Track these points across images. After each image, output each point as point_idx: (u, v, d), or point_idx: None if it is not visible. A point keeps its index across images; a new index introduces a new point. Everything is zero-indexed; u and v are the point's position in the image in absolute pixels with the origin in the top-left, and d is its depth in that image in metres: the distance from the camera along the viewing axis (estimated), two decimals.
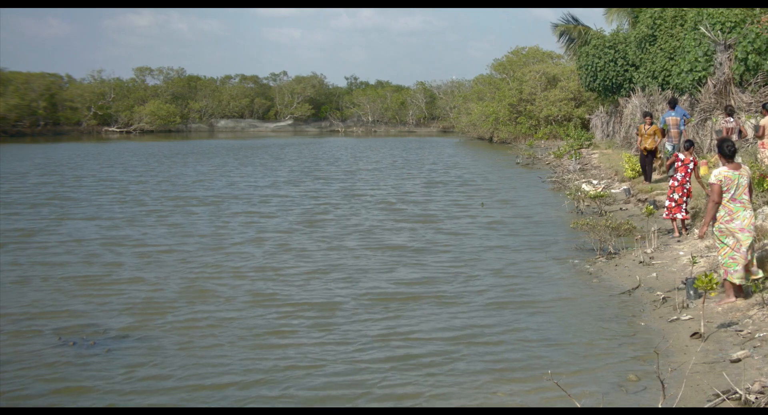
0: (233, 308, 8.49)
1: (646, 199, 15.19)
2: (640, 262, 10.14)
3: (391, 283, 9.61)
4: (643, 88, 26.18)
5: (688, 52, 22.14)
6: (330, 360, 6.77)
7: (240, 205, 17.08)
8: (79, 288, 9.40)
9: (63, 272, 10.28)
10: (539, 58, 48.47)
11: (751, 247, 7.61)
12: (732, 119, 14.92)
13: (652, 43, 26.14)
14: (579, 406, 5.40)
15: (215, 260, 11.03)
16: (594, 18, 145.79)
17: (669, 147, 16.65)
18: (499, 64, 50.86)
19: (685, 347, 6.76)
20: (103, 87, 74.71)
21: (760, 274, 7.55)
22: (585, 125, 38.06)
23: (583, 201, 15.32)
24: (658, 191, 15.39)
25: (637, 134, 17.81)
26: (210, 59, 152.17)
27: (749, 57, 19.52)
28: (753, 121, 15.30)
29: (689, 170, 11.70)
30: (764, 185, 11.07)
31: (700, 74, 21.40)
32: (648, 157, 16.61)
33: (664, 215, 11.89)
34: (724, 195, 7.61)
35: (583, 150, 28.14)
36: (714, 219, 7.75)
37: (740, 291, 7.70)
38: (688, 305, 7.90)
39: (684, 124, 17.35)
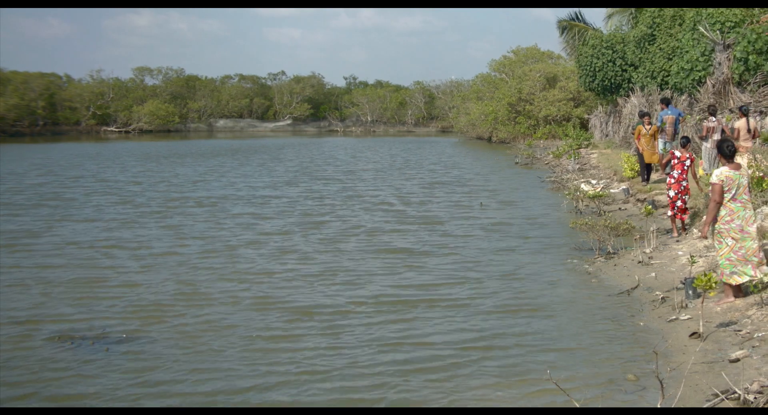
0: (234, 310, 8.42)
1: (645, 199, 15.20)
2: (639, 262, 10.15)
3: (389, 286, 9.54)
4: (642, 88, 26.19)
5: (687, 51, 22.15)
6: (335, 366, 6.68)
7: (239, 207, 17.01)
8: (77, 289, 9.38)
9: (61, 273, 10.27)
10: (538, 58, 48.48)
11: (759, 248, 7.60)
12: (714, 119, 15.08)
13: (651, 43, 26.16)
14: (578, 406, 5.40)
15: (215, 262, 10.96)
16: (596, 19, 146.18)
17: (662, 145, 16.66)
18: (498, 64, 50.86)
19: (684, 346, 6.76)
20: (102, 87, 74.66)
21: (759, 274, 7.53)
22: (584, 125, 38.07)
23: (582, 201, 15.33)
24: (657, 191, 15.40)
25: (635, 135, 17.79)
26: (210, 59, 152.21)
27: (750, 57, 19.53)
28: (729, 123, 15.41)
29: (686, 168, 11.71)
30: (763, 185, 11.08)
31: (699, 74, 21.41)
32: (650, 166, 16.48)
33: (669, 213, 11.83)
34: (725, 195, 7.61)
35: (581, 150, 28.15)
36: (715, 219, 7.76)
37: (739, 291, 7.70)
38: (687, 305, 7.91)
39: (679, 123, 17.43)
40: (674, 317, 7.60)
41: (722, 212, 7.66)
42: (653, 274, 9.46)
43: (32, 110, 66.49)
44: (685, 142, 11.97)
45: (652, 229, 11.31)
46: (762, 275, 7.47)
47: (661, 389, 5.32)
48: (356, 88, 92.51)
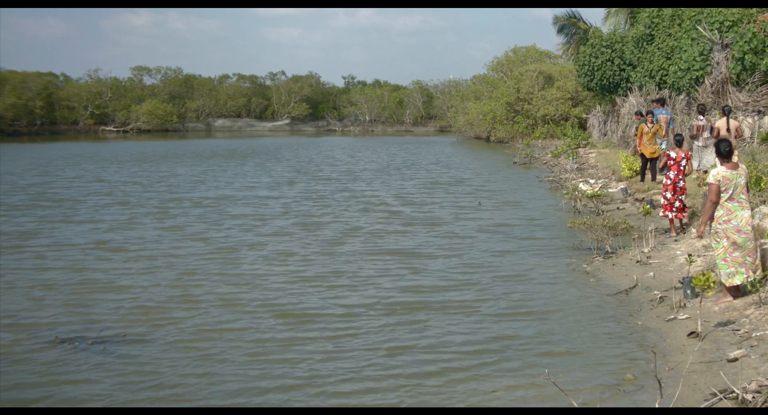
0: (234, 313, 8.34)
1: (643, 198, 15.20)
2: (638, 261, 10.15)
3: (388, 289, 9.50)
4: (640, 88, 26.21)
5: (685, 51, 22.16)
6: (344, 370, 6.64)
7: (239, 208, 16.88)
8: (75, 291, 9.35)
9: (58, 274, 10.24)
10: (536, 58, 48.50)
11: (754, 248, 7.59)
12: (703, 118, 15.32)
13: (650, 43, 26.17)
14: (576, 406, 5.40)
15: (216, 264, 10.84)
16: (594, 19, 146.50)
17: (663, 145, 16.68)
18: (496, 64, 50.87)
19: (683, 346, 6.76)
20: (100, 86, 74.66)
21: (752, 277, 7.52)
22: (582, 125, 38.10)
23: (580, 200, 15.33)
24: (655, 191, 15.40)
25: (636, 135, 17.78)
26: (209, 59, 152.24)
27: (746, 56, 19.55)
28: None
29: (681, 168, 11.72)
30: (761, 185, 11.09)
31: (697, 74, 21.43)
32: (651, 161, 16.42)
33: (661, 213, 11.90)
34: (722, 195, 7.61)
35: (580, 149, 28.15)
36: (712, 218, 7.76)
37: (737, 291, 7.70)
38: (685, 305, 7.91)
39: (672, 124, 17.53)
40: (672, 317, 7.60)
41: (719, 212, 7.66)
42: (651, 273, 9.47)
43: (30, 110, 66.44)
44: (680, 139, 12.06)
45: (650, 228, 11.32)
46: (753, 276, 7.45)
47: (659, 389, 5.32)
48: (355, 88, 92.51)
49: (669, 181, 11.65)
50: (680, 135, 12.53)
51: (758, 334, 6.60)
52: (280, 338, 7.46)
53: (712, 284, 6.89)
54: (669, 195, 11.59)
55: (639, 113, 18.51)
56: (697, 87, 21.48)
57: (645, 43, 26.47)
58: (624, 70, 28.30)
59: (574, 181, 19.51)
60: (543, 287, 9.34)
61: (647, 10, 26.39)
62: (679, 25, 24.52)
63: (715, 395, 5.46)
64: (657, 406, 5.35)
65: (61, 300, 8.84)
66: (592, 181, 19.29)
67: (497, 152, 36.24)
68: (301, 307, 8.51)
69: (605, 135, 32.02)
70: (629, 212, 14.47)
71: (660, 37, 25.64)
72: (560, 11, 34.24)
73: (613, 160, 21.52)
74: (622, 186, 17.33)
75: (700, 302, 7.20)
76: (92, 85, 74.58)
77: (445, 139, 56.29)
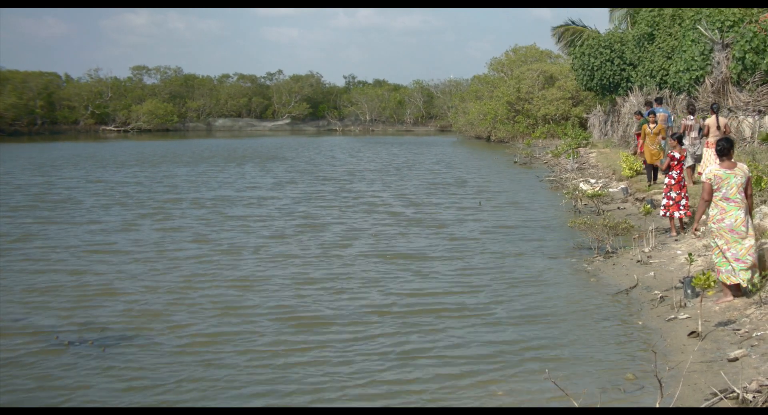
0: (238, 316, 8.27)
1: (643, 198, 15.20)
2: (638, 261, 10.14)
3: (389, 294, 9.41)
4: (640, 87, 26.21)
5: (686, 51, 22.16)
6: (351, 376, 6.63)
7: (239, 209, 16.73)
8: (75, 292, 9.35)
9: (59, 276, 10.24)
10: (537, 57, 48.49)
11: (751, 248, 7.57)
12: (692, 117, 15.68)
13: (651, 42, 26.17)
14: (577, 405, 5.40)
15: (219, 266, 10.75)
16: (596, 19, 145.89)
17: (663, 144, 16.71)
18: (497, 63, 50.86)
19: (683, 346, 6.76)
20: (101, 86, 74.68)
21: (747, 276, 7.50)
22: (582, 124, 38.10)
23: (581, 200, 15.32)
24: (656, 190, 15.40)
25: (639, 135, 17.79)
26: (208, 59, 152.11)
27: (746, 56, 19.54)
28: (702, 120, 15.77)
29: (684, 167, 11.75)
30: (761, 185, 11.08)
31: (697, 73, 21.42)
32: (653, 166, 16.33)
33: (661, 213, 11.89)
34: (715, 194, 7.63)
35: (580, 149, 28.15)
36: (707, 217, 7.78)
37: (738, 290, 7.70)
38: (685, 304, 7.90)
39: (671, 122, 17.58)
40: (673, 317, 7.60)
41: (713, 211, 7.68)
42: (652, 273, 9.46)
43: (31, 109, 66.46)
44: (678, 137, 12.12)
45: (650, 228, 11.31)
46: (748, 276, 7.44)
47: (659, 389, 5.32)
48: (355, 88, 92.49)
49: (673, 181, 11.65)
50: (676, 133, 12.56)
51: (759, 333, 6.60)
52: (290, 341, 7.39)
53: (712, 284, 6.89)
54: (674, 194, 11.59)
55: (639, 113, 18.54)
56: (697, 87, 21.47)
57: (645, 43, 26.47)
58: (624, 69, 28.30)
59: (574, 181, 19.51)
60: (543, 286, 9.33)
61: (648, 9, 26.39)
62: (680, 24, 24.52)
63: (715, 394, 5.46)
64: (657, 406, 5.34)
65: (61, 301, 8.84)
66: (592, 180, 19.29)
67: (498, 152, 36.23)
68: (307, 311, 8.40)
69: (606, 135, 32.02)
70: (630, 212, 14.47)
71: (661, 37, 25.64)
72: (558, 20, 34.41)
73: (614, 160, 21.51)
74: (623, 186, 17.33)
75: (701, 301, 7.20)
76: (93, 85, 74.58)
77: (445, 138, 56.26)
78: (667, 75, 24.36)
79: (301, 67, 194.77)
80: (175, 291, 9.24)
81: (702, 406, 5.38)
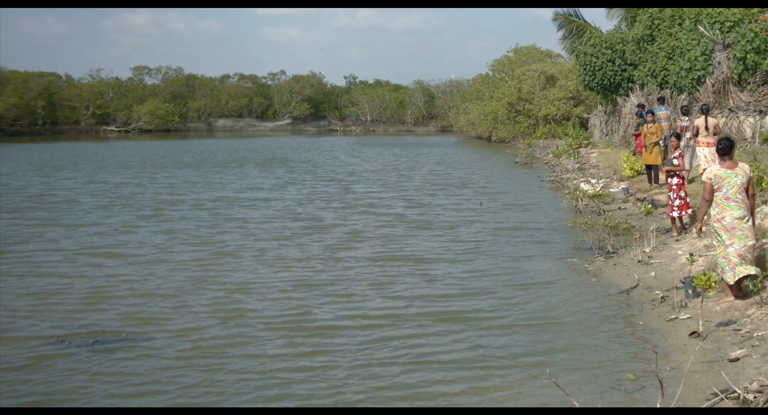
0: (241, 318, 8.24)
1: (644, 198, 15.19)
2: (639, 261, 10.14)
3: (392, 297, 9.39)
4: (641, 87, 26.19)
5: (687, 51, 22.15)
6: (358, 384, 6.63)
7: (240, 210, 16.65)
8: (75, 291, 9.38)
9: (58, 279, 10.24)
10: (538, 57, 48.47)
11: (750, 248, 7.57)
12: (687, 118, 16.03)
13: (651, 43, 26.15)
14: (578, 405, 5.40)
15: (221, 268, 10.68)
16: (594, 17, 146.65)
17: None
18: (497, 64, 50.85)
19: (684, 346, 6.76)
20: (102, 86, 74.76)
21: (752, 270, 7.49)
22: (583, 124, 38.07)
23: (582, 200, 15.31)
24: (657, 190, 15.40)
25: (638, 136, 17.80)
26: (209, 59, 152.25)
27: (748, 56, 19.52)
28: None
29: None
30: (763, 185, 11.07)
31: (698, 73, 21.41)
32: (653, 166, 16.25)
33: (674, 214, 11.71)
34: (716, 193, 7.64)
35: (581, 149, 28.14)
36: (709, 216, 7.79)
37: (739, 290, 7.69)
38: (686, 304, 7.90)
39: (672, 121, 17.65)
40: (674, 317, 7.59)
41: (714, 210, 7.69)
42: (653, 273, 9.46)
43: (32, 109, 66.51)
44: (678, 137, 12.16)
45: (651, 228, 11.31)
46: (749, 272, 7.43)
47: (660, 389, 5.32)
48: (356, 88, 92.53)
49: (682, 181, 11.65)
50: (676, 134, 12.57)
51: (760, 334, 6.60)
52: (302, 344, 7.38)
53: (713, 284, 6.88)
54: (683, 193, 11.58)
55: (639, 114, 18.54)
56: (698, 87, 21.46)
57: (646, 43, 26.45)
58: (625, 70, 28.29)
59: (575, 181, 19.50)
60: (544, 287, 9.33)
61: (648, 10, 26.38)
62: (680, 24, 24.51)
63: (716, 394, 5.45)
64: (658, 406, 5.34)
65: (60, 303, 8.84)
66: (593, 181, 19.29)
67: (499, 152, 36.23)
68: (313, 316, 8.30)
69: (607, 135, 32.00)
70: (631, 212, 14.46)
71: (661, 37, 25.63)
72: (560, 10, 34.12)
73: (615, 160, 21.50)
74: (624, 186, 17.33)
75: (702, 301, 7.19)
76: (94, 85, 74.66)
77: (446, 139, 56.25)
78: (668, 75, 24.35)
79: (301, 67, 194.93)
80: (176, 290, 9.24)
81: (703, 406, 5.37)
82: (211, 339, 7.43)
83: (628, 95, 27.40)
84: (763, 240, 8.38)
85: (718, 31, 20.50)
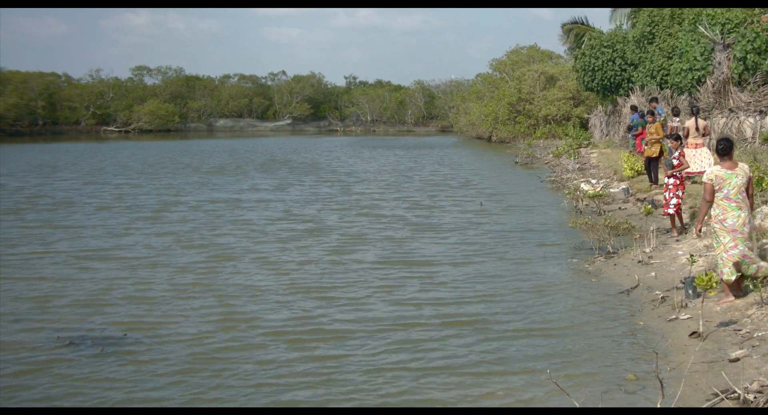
0: (242, 322, 8.19)
1: (644, 198, 15.19)
2: (639, 261, 10.14)
3: (397, 304, 9.36)
4: (641, 88, 26.19)
5: (687, 51, 22.15)
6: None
7: (241, 212, 16.55)
8: (75, 292, 9.37)
9: (58, 276, 10.25)
10: (538, 58, 48.49)
11: (751, 248, 7.57)
12: (678, 119, 16.34)
13: (651, 42, 26.16)
14: (578, 406, 5.40)
15: (223, 270, 10.62)
16: (599, 19, 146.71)
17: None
18: (498, 64, 50.86)
19: (684, 346, 6.76)
20: (102, 86, 74.78)
21: (764, 266, 7.48)
22: (584, 125, 38.09)
23: (582, 200, 15.31)
24: (657, 190, 15.39)
25: (637, 135, 17.84)
26: (209, 59, 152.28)
27: (748, 56, 19.53)
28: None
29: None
30: (763, 185, 11.08)
31: (698, 73, 21.41)
32: (653, 162, 16.26)
33: (670, 211, 11.70)
34: (717, 194, 7.64)
35: (581, 149, 28.14)
36: (709, 217, 7.79)
37: (739, 290, 7.69)
38: (686, 305, 7.90)
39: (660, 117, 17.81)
40: (674, 317, 7.59)
41: (715, 211, 7.69)
42: (653, 273, 9.46)
43: (32, 110, 66.52)
44: (678, 137, 12.18)
45: (651, 228, 11.31)
46: (754, 270, 7.43)
47: (660, 389, 5.32)
48: (356, 88, 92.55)
49: (679, 181, 11.65)
50: (674, 134, 12.59)
51: (760, 334, 6.60)
52: (294, 347, 7.36)
53: (714, 284, 6.88)
54: (681, 193, 11.59)
55: (642, 115, 18.59)
56: (698, 87, 21.46)
57: (646, 43, 26.46)
58: (625, 70, 28.29)
59: (575, 182, 19.50)
60: (544, 287, 9.32)
61: (648, 9, 26.39)
62: (679, 24, 24.51)
63: (716, 395, 5.45)
64: (659, 406, 5.34)
65: (59, 304, 8.83)
66: (593, 181, 19.28)
67: (499, 153, 36.23)
68: (316, 322, 8.19)
69: (607, 135, 32.01)
70: (631, 212, 14.46)
71: (661, 37, 25.63)
72: (566, 17, 34.50)
73: (615, 160, 21.50)
74: (624, 186, 17.32)
75: (702, 302, 7.19)
76: (94, 86, 74.69)
77: (446, 139, 56.24)
78: (667, 75, 24.35)
79: (301, 68, 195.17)
80: (177, 291, 9.24)
81: (703, 406, 5.37)
82: (214, 345, 7.35)
83: (628, 95, 27.41)
84: (763, 240, 8.38)
85: (718, 32, 20.50)
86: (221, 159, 33.90)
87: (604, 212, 14.55)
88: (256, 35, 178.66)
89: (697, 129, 14.79)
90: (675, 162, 11.80)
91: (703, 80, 21.19)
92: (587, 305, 8.44)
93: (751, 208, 7.79)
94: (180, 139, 60.42)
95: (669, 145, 12.50)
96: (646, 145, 16.03)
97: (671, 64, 24.05)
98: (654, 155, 15.89)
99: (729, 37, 20.26)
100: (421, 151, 39.84)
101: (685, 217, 11.80)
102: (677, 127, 15.84)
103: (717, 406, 5.34)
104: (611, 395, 5.85)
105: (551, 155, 28.54)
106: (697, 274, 7.79)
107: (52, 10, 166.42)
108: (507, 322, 7.89)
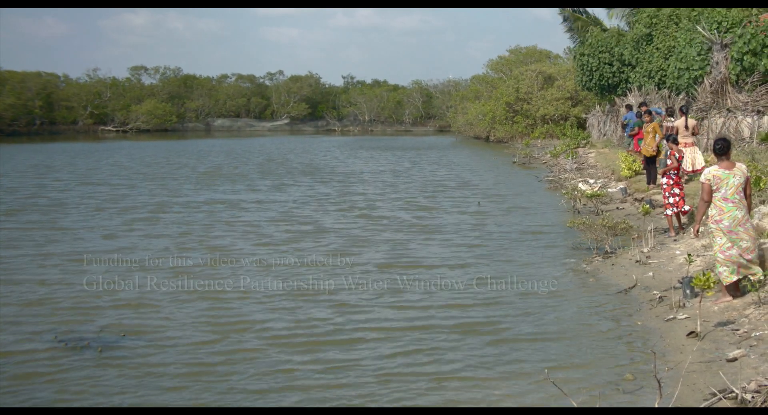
0: (245, 328, 8.09)
1: (642, 198, 15.20)
2: (637, 261, 10.14)
3: (399, 308, 9.36)
4: (639, 88, 26.22)
5: (684, 51, 22.17)
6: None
7: (241, 212, 16.48)
8: (74, 292, 9.35)
9: (56, 278, 10.23)
10: (537, 58, 48.52)
11: (748, 248, 7.56)
12: (673, 119, 16.32)
13: (649, 43, 26.18)
14: (576, 405, 5.40)
15: (221, 272, 10.55)
16: (599, 13, 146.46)
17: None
18: (496, 63, 50.88)
19: (682, 346, 6.76)
20: (99, 86, 74.72)
21: (758, 272, 7.51)
22: (581, 124, 38.10)
23: (580, 200, 15.32)
24: (655, 190, 15.40)
25: (634, 135, 17.85)
26: (208, 59, 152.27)
27: (744, 57, 19.55)
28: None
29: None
30: (761, 185, 11.09)
31: (696, 73, 21.44)
32: (651, 162, 16.22)
33: (668, 212, 11.71)
34: (714, 194, 7.64)
35: (579, 149, 28.14)
36: (707, 217, 7.79)
37: (737, 290, 7.70)
38: (684, 304, 7.91)
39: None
40: (672, 317, 7.60)
41: (712, 211, 7.69)
42: (651, 273, 9.46)
43: (29, 110, 66.42)
44: (675, 138, 12.18)
45: (649, 228, 11.31)
46: (746, 274, 7.43)
47: (658, 389, 5.32)
48: (354, 88, 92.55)
49: (672, 181, 11.66)
50: (671, 135, 12.61)
51: (757, 334, 6.60)
52: (299, 349, 7.37)
53: (711, 284, 6.89)
54: (677, 190, 11.60)
55: (638, 114, 18.59)
56: (696, 87, 21.48)
57: (644, 43, 26.48)
58: (623, 71, 28.31)
59: (573, 181, 19.51)
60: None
61: (646, 10, 26.41)
62: (677, 24, 24.54)
63: (714, 394, 5.46)
64: (656, 406, 5.35)
65: (58, 305, 8.81)
66: (591, 181, 19.29)
67: (497, 152, 36.24)
68: (316, 327, 8.07)
69: (604, 135, 32.02)
70: (628, 212, 14.47)
71: (658, 37, 25.65)
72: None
73: (613, 160, 21.50)
74: (622, 186, 17.33)
75: (700, 301, 7.20)
76: (91, 85, 74.61)
77: (444, 139, 56.23)
78: (665, 75, 24.37)
79: (300, 68, 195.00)
80: (177, 292, 9.23)
81: (701, 406, 5.38)
82: (215, 347, 7.33)
83: (626, 95, 27.43)
84: (763, 240, 8.38)
85: (715, 31, 20.52)
86: (219, 159, 33.86)
87: (602, 211, 14.56)
88: (256, 35, 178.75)
89: (686, 128, 14.86)
90: (668, 162, 11.84)
91: (700, 80, 21.21)
92: (585, 305, 8.44)
93: (749, 208, 7.80)
94: (177, 139, 60.33)
95: (665, 145, 12.54)
96: (645, 142, 16.06)
97: (668, 65, 24.07)
98: (652, 154, 15.90)
99: (726, 36, 20.28)
100: (419, 152, 39.81)
101: (684, 217, 11.81)
102: (673, 127, 15.88)
103: (715, 406, 5.34)
104: (609, 394, 5.86)
105: (549, 155, 28.55)
106: (694, 274, 7.80)
107: (51, 10, 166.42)
108: (505, 323, 7.89)
